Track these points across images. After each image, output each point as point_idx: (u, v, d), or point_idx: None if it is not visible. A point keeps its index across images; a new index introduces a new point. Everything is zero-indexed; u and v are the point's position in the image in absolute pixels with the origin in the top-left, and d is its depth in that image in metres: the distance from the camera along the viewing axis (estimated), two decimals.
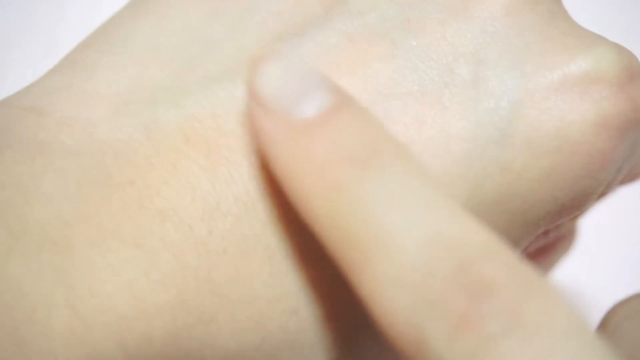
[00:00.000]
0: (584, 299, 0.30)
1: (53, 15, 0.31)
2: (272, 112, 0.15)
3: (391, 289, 0.13)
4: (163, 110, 0.16)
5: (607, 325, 0.16)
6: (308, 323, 0.16)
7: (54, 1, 0.30)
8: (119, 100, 0.16)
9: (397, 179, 0.14)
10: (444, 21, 0.17)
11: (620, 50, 0.17)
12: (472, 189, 0.16)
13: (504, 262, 0.13)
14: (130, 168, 0.15)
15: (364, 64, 0.16)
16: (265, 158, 0.15)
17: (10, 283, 0.13)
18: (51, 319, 0.13)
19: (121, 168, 0.15)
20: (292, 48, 0.16)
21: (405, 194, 0.13)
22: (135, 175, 0.15)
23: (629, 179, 0.21)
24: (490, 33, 0.17)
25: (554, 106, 0.16)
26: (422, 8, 0.17)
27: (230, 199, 0.15)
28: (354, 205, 0.13)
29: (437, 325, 0.12)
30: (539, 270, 0.23)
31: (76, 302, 0.13)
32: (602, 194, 0.19)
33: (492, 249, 0.13)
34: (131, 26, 0.17)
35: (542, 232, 0.18)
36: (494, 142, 0.16)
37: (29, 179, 0.14)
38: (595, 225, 0.28)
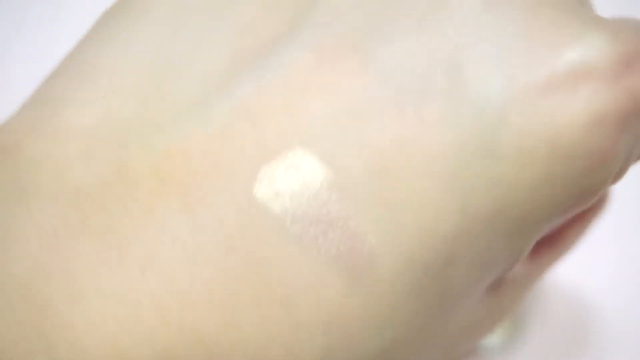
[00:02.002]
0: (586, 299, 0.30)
1: (53, 15, 0.32)
2: None
3: None
4: (134, 150, 0.15)
5: None
6: None
7: (54, 1, 0.30)
8: (88, 138, 0.16)
9: None
10: (418, 23, 0.16)
11: (615, 34, 0.15)
12: (462, 208, 0.15)
13: None
14: (107, 214, 0.15)
15: (334, 84, 0.15)
16: None
17: None
18: None
19: (97, 214, 0.14)
20: (258, 71, 0.16)
21: None
22: (112, 222, 0.14)
23: None
24: (469, 31, 0.15)
25: (542, 110, 0.15)
26: (394, 9, 0.16)
27: (209, 244, 0.15)
28: None
29: None
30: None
31: (56, 358, 0.13)
32: (615, 180, 0.17)
33: None
34: (96, 54, 0.17)
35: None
36: (481, 155, 0.15)
37: (3, 229, 0.14)
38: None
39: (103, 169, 0.15)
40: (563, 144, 0.15)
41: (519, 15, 0.15)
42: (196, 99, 0.16)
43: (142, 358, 0.14)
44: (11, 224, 0.14)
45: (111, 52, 0.17)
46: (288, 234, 0.15)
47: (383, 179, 0.15)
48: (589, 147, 0.15)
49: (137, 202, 0.15)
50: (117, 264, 0.14)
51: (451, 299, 0.16)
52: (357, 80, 0.15)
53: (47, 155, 0.15)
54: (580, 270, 0.30)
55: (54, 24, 0.31)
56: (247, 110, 0.15)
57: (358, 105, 0.15)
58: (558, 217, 0.16)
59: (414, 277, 0.15)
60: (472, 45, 0.15)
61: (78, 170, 0.15)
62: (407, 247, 0.15)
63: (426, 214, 0.15)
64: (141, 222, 0.15)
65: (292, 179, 0.15)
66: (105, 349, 0.14)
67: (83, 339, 0.13)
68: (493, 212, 0.15)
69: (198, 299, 0.14)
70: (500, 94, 0.15)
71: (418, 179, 0.15)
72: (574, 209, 0.17)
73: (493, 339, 0.30)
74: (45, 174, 0.15)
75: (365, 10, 0.16)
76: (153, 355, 0.14)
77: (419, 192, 0.15)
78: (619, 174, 0.17)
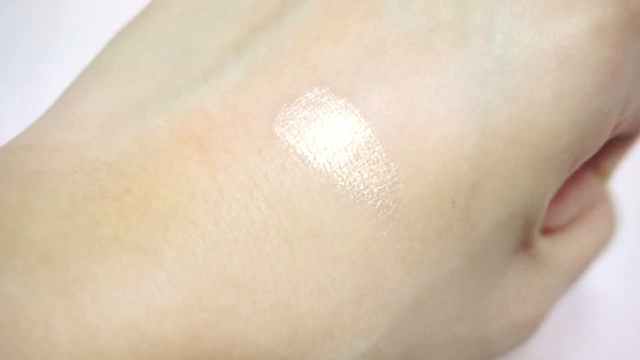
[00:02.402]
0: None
1: (53, 15, 0.31)
2: None
3: None
4: (151, 117, 0.16)
5: None
6: (341, 303, 0.15)
7: (54, 1, 0.30)
8: (107, 118, 0.16)
9: None
10: None
11: None
12: (482, 126, 0.16)
13: None
14: (124, 178, 0.15)
15: (345, 29, 0.16)
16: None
17: (6, 302, 0.13)
18: (52, 332, 0.13)
19: (115, 179, 0.15)
20: (271, 32, 0.16)
21: None
22: (130, 184, 0.15)
23: None
24: None
25: (546, 23, 0.16)
26: None
27: (232, 186, 0.15)
28: None
29: None
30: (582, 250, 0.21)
31: (78, 312, 0.13)
32: (624, 123, 0.18)
33: None
34: (112, 52, 0.18)
35: (570, 175, 0.18)
36: (493, 72, 0.16)
37: (20, 204, 0.14)
38: None
39: (122, 140, 0.15)
40: (570, 53, 0.16)
41: None
42: (213, 66, 0.16)
43: (167, 302, 0.13)
44: (26, 201, 0.14)
45: (127, 47, 0.18)
46: (311, 166, 0.15)
47: (401, 105, 0.15)
48: (596, 56, 0.16)
49: (156, 163, 0.15)
50: (137, 218, 0.14)
51: (480, 243, 0.16)
52: (368, 23, 0.16)
53: (66, 143, 0.16)
54: None
55: (55, 25, 0.31)
56: (261, 64, 0.16)
57: (370, 45, 0.16)
58: (578, 145, 0.17)
59: (441, 205, 0.15)
60: None
61: (96, 147, 0.15)
62: (431, 170, 0.15)
63: (447, 135, 0.15)
64: (161, 179, 0.15)
65: (311, 115, 0.15)
66: (128, 296, 0.13)
67: (105, 289, 0.13)
68: (513, 131, 0.16)
69: (223, 239, 0.14)
70: (503, 15, 0.16)
71: (435, 101, 0.15)
72: (590, 139, 0.17)
73: None
74: (63, 157, 0.15)
75: None
76: (179, 299, 0.14)
77: (437, 114, 0.15)
78: (626, 111, 0.17)
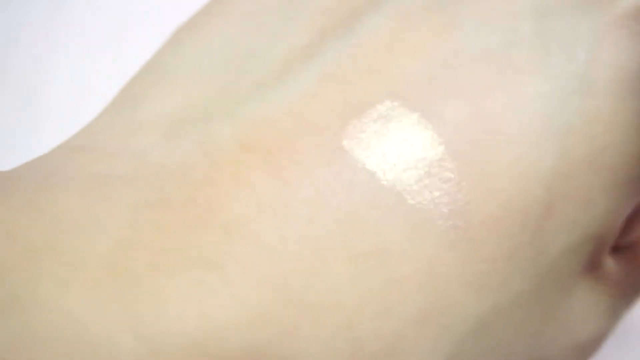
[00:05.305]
0: None
1: (53, 15, 0.31)
2: None
3: None
4: (217, 124, 0.15)
5: None
6: (404, 324, 0.14)
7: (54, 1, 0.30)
8: (170, 124, 0.16)
9: None
10: None
11: None
12: (560, 148, 0.15)
13: None
14: (189, 186, 0.14)
15: (420, 41, 0.15)
16: None
17: (69, 318, 0.12)
18: (116, 350, 0.12)
19: (179, 188, 0.14)
20: (342, 39, 0.16)
21: None
22: (195, 193, 0.14)
23: None
24: None
25: (633, 41, 0.15)
26: None
27: (298, 200, 0.14)
28: None
29: None
30: None
31: (142, 330, 0.13)
32: None
33: None
34: (174, 55, 0.17)
35: None
36: (574, 92, 0.15)
37: (82, 213, 0.14)
38: None
39: (186, 146, 0.15)
40: None
41: None
42: (280, 72, 0.16)
43: (231, 318, 0.13)
44: (90, 208, 0.14)
45: (189, 50, 0.17)
46: (381, 183, 0.15)
47: (476, 123, 0.15)
48: None
49: (222, 172, 0.14)
50: (201, 230, 0.14)
51: (548, 266, 0.16)
52: (444, 36, 0.15)
53: (127, 147, 0.15)
54: None
55: (56, 25, 0.31)
56: (332, 73, 0.15)
57: (446, 58, 0.15)
58: None
59: (512, 227, 0.15)
60: None
61: (158, 153, 0.15)
62: (504, 191, 0.15)
63: (522, 156, 0.15)
64: (226, 190, 0.14)
65: (382, 129, 0.15)
66: (191, 312, 0.13)
67: (169, 304, 0.13)
68: (592, 154, 0.15)
69: (288, 255, 0.14)
70: (587, 33, 0.15)
71: (511, 121, 0.15)
72: None
73: None
74: (124, 163, 0.15)
75: None
76: (243, 315, 0.13)
77: (515, 133, 0.15)
78: None
